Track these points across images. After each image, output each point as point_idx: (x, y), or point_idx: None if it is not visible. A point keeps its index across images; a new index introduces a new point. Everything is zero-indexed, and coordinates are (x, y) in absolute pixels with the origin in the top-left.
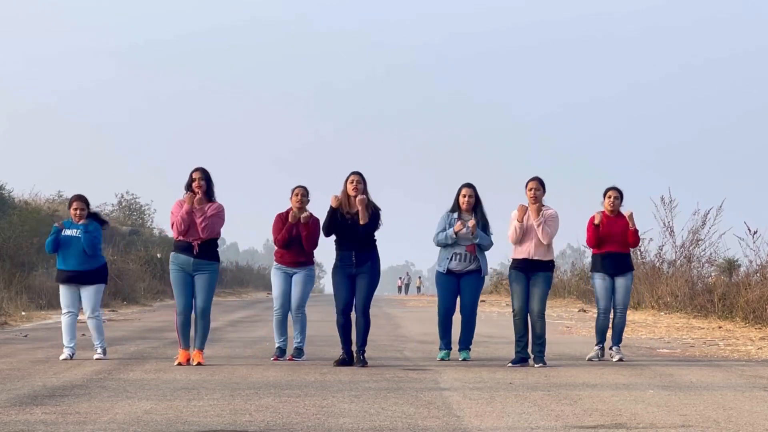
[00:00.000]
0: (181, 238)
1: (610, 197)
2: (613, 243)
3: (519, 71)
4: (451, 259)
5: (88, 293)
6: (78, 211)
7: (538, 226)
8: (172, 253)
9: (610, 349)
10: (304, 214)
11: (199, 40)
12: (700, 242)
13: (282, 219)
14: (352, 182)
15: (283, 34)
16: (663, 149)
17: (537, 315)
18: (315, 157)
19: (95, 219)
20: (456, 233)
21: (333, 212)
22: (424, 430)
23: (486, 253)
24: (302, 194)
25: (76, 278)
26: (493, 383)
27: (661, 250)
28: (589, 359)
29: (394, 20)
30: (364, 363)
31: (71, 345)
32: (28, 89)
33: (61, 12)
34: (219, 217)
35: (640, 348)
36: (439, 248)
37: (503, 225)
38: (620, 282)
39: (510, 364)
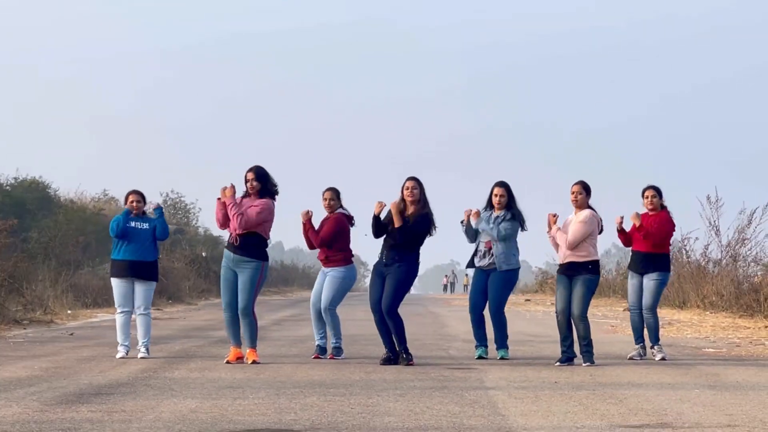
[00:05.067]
0: (228, 232)
1: (647, 197)
2: (646, 241)
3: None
4: (475, 255)
5: (143, 288)
6: (134, 203)
7: (554, 234)
8: (225, 250)
9: (651, 348)
10: (303, 211)
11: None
12: (746, 241)
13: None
14: (408, 188)
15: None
16: (711, 148)
17: (577, 318)
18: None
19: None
20: (462, 222)
21: (376, 219)
22: (469, 429)
23: (527, 249)
24: (330, 198)
25: (135, 269)
26: (539, 382)
27: (707, 249)
28: (631, 357)
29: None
30: (408, 361)
31: (126, 343)
32: (79, 90)
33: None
34: (257, 207)
35: (686, 347)
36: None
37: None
38: (645, 282)
39: (557, 363)
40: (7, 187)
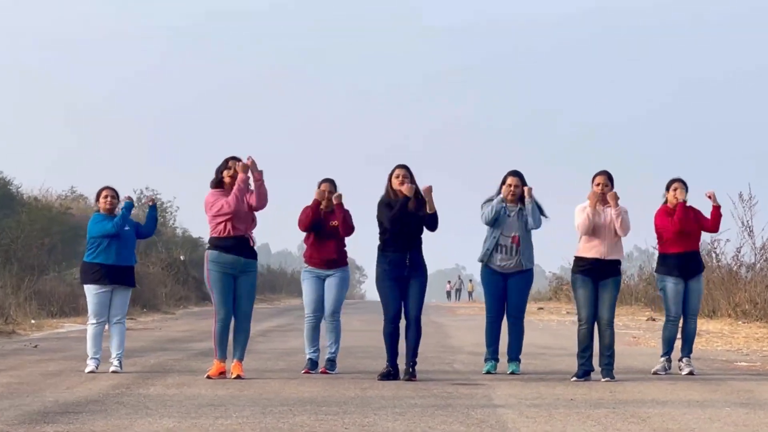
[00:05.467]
0: (229, 233)
1: (675, 189)
2: (685, 241)
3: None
4: (494, 251)
5: (121, 296)
6: (109, 198)
7: (617, 216)
8: (214, 253)
9: (680, 360)
10: (336, 194)
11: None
12: None
13: (309, 207)
14: (398, 176)
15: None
16: (741, 144)
17: (607, 323)
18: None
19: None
20: (503, 199)
21: (405, 202)
22: None
23: (541, 251)
24: (327, 190)
25: (115, 274)
26: (552, 399)
27: (739, 252)
28: (655, 372)
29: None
30: (412, 376)
31: (97, 356)
32: (47, 79)
33: None
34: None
35: (716, 361)
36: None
37: (556, 221)
38: (693, 286)
39: (573, 378)
40: None
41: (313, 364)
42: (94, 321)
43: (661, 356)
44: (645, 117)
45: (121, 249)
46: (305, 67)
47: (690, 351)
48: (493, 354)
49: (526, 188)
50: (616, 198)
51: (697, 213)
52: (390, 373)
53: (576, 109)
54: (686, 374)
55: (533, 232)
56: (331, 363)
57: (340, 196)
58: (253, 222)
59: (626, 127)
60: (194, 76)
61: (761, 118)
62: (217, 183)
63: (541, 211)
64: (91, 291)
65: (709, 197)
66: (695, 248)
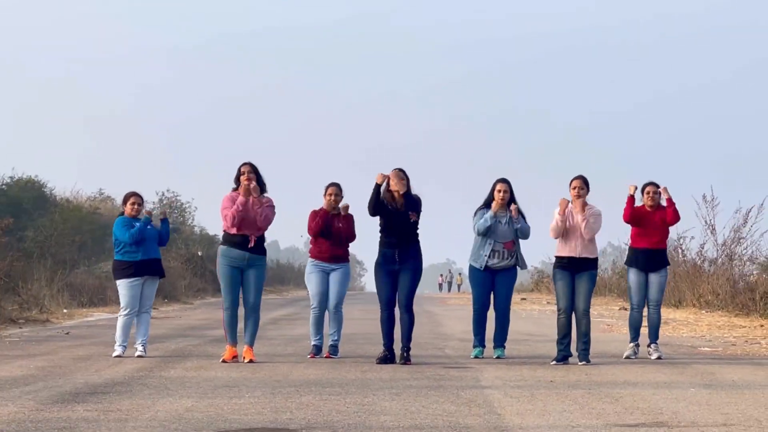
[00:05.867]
0: (235, 231)
1: (648, 192)
2: (650, 238)
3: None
4: (489, 257)
5: (151, 286)
6: (136, 206)
7: (583, 221)
8: (223, 247)
9: (648, 346)
10: (342, 204)
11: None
12: (741, 240)
13: (316, 213)
14: (395, 177)
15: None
16: (705, 149)
17: (583, 313)
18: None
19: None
20: (495, 214)
21: (377, 189)
22: (465, 428)
23: (523, 248)
24: (334, 193)
25: (151, 267)
26: (534, 381)
27: (703, 248)
28: (626, 357)
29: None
30: (406, 360)
31: (125, 344)
32: (76, 90)
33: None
34: (273, 210)
35: (682, 346)
36: (473, 242)
37: (540, 221)
38: (653, 278)
39: (553, 362)
40: (3, 187)
41: (317, 350)
42: (126, 312)
43: (630, 342)
44: (618, 121)
45: (146, 245)
46: (309, 76)
47: (656, 337)
48: (480, 341)
49: (513, 207)
50: (583, 205)
51: (664, 213)
52: (387, 357)
53: (558, 111)
54: (654, 359)
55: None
56: (334, 348)
57: (347, 207)
58: (259, 230)
59: (603, 128)
60: (210, 86)
61: (724, 126)
62: (238, 186)
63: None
64: (124, 285)
65: (662, 192)
66: (660, 246)
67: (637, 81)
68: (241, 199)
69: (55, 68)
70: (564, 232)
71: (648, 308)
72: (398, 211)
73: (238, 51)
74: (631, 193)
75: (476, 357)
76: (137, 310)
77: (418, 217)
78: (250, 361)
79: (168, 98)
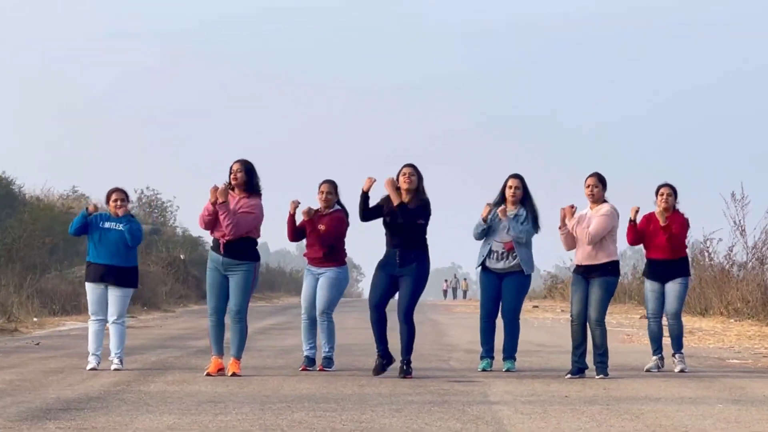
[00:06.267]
0: (217, 235)
1: (662, 194)
2: (663, 249)
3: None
4: (488, 257)
5: (118, 296)
6: (118, 202)
7: (572, 228)
8: (209, 251)
9: (672, 356)
10: (304, 209)
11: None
12: None
13: (287, 222)
14: (405, 174)
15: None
16: (735, 144)
17: (594, 323)
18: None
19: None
20: (485, 220)
21: (364, 196)
22: None
23: (533, 251)
24: (327, 191)
25: (110, 275)
26: (547, 396)
27: (731, 251)
28: (647, 370)
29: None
30: (406, 374)
31: (98, 353)
32: (48, 79)
33: None
34: (252, 214)
35: (708, 358)
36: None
37: (555, 220)
38: (670, 287)
39: (567, 375)
40: None
41: (309, 361)
42: (93, 318)
43: (653, 354)
44: (644, 117)
45: (113, 250)
46: (304, 68)
47: (679, 347)
48: (488, 352)
49: (500, 209)
50: (571, 214)
51: (680, 219)
52: (382, 364)
53: (572, 111)
54: (678, 371)
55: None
56: (328, 360)
57: (309, 211)
58: (227, 236)
59: (622, 127)
60: (195, 76)
61: (758, 118)
62: (231, 187)
63: (536, 225)
64: (88, 288)
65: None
66: (676, 256)
67: (660, 74)
68: (208, 201)
69: (27, 55)
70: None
71: (667, 319)
72: (405, 208)
73: (232, 37)
74: (632, 217)
75: (483, 370)
76: (105, 317)
77: (427, 222)
78: (234, 374)
79: (148, 89)
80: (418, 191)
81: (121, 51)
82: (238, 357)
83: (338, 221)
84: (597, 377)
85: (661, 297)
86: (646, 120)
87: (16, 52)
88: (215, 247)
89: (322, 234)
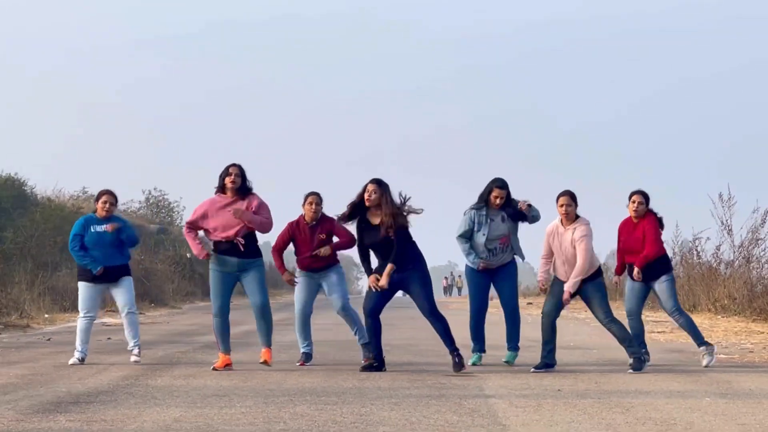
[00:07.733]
0: (221, 237)
1: (634, 201)
2: (635, 253)
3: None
4: (485, 257)
5: (122, 288)
6: (107, 205)
7: (565, 301)
8: (212, 255)
9: (700, 348)
10: (324, 250)
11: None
12: (759, 242)
13: (291, 227)
14: (367, 191)
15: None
16: (722, 147)
17: (606, 322)
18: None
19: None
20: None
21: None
22: None
23: (528, 248)
24: (315, 202)
25: (105, 276)
26: (541, 390)
27: (719, 250)
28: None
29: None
30: (460, 366)
31: (83, 349)
32: (59, 83)
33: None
34: (268, 219)
35: (696, 353)
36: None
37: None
38: (657, 288)
39: (533, 369)
40: None
41: (307, 357)
42: (83, 315)
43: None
44: (630, 118)
45: (104, 251)
46: (303, 71)
47: (699, 339)
48: (480, 348)
49: (521, 203)
50: (571, 292)
51: (648, 222)
52: (372, 366)
53: (564, 111)
54: (705, 366)
55: (521, 228)
56: (366, 347)
57: (328, 250)
58: (262, 227)
59: (611, 127)
60: (199, 81)
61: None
62: (221, 188)
63: (523, 216)
64: (81, 286)
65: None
66: (654, 258)
67: (645, 73)
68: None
69: (40, 61)
70: (551, 253)
71: (672, 319)
72: (391, 240)
73: (233, 42)
74: (615, 281)
75: (474, 364)
76: (95, 315)
77: (407, 223)
78: (265, 362)
79: (155, 93)
80: (386, 207)
81: (127, 57)
82: (268, 345)
83: (344, 228)
84: (629, 372)
85: (640, 296)
86: (629, 120)
87: (24, 54)
88: (226, 250)
89: (339, 245)
